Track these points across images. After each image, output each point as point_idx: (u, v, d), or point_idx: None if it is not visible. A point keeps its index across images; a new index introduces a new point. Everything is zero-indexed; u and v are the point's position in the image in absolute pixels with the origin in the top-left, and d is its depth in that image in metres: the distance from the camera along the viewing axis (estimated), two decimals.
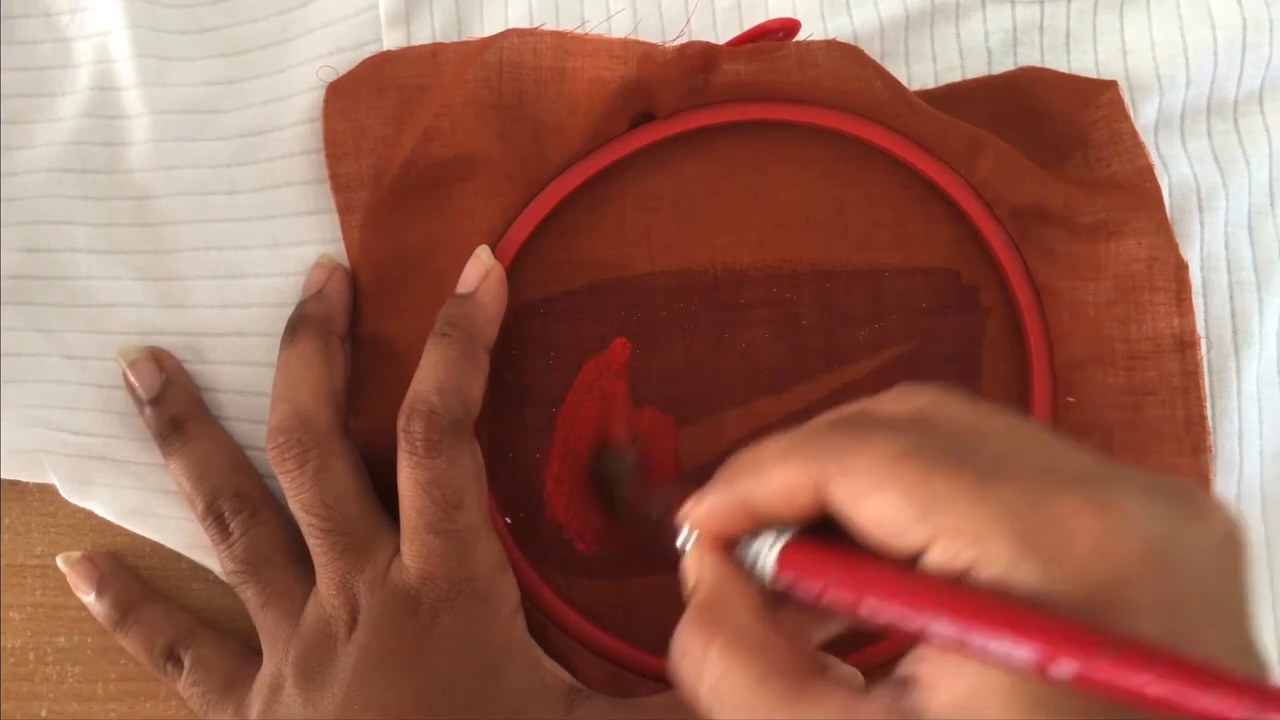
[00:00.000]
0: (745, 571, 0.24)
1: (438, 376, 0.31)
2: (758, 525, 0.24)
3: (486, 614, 0.31)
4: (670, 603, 0.34)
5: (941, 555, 0.20)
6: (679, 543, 0.26)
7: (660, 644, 0.34)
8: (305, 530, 0.32)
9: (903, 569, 0.21)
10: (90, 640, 0.36)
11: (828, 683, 0.21)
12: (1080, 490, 0.20)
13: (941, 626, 0.20)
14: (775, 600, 0.23)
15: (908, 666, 0.21)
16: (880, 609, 0.21)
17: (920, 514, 0.20)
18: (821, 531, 0.23)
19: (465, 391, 0.32)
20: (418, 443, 0.31)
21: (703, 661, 0.22)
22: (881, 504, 0.21)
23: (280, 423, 0.32)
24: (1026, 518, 0.20)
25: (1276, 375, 0.36)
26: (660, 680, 0.34)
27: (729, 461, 0.24)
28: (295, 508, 0.32)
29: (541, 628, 0.34)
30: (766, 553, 0.23)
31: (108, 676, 0.36)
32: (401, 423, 0.31)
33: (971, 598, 0.20)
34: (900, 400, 0.24)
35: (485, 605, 0.31)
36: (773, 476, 0.23)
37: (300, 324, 0.34)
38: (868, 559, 0.22)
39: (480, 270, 0.33)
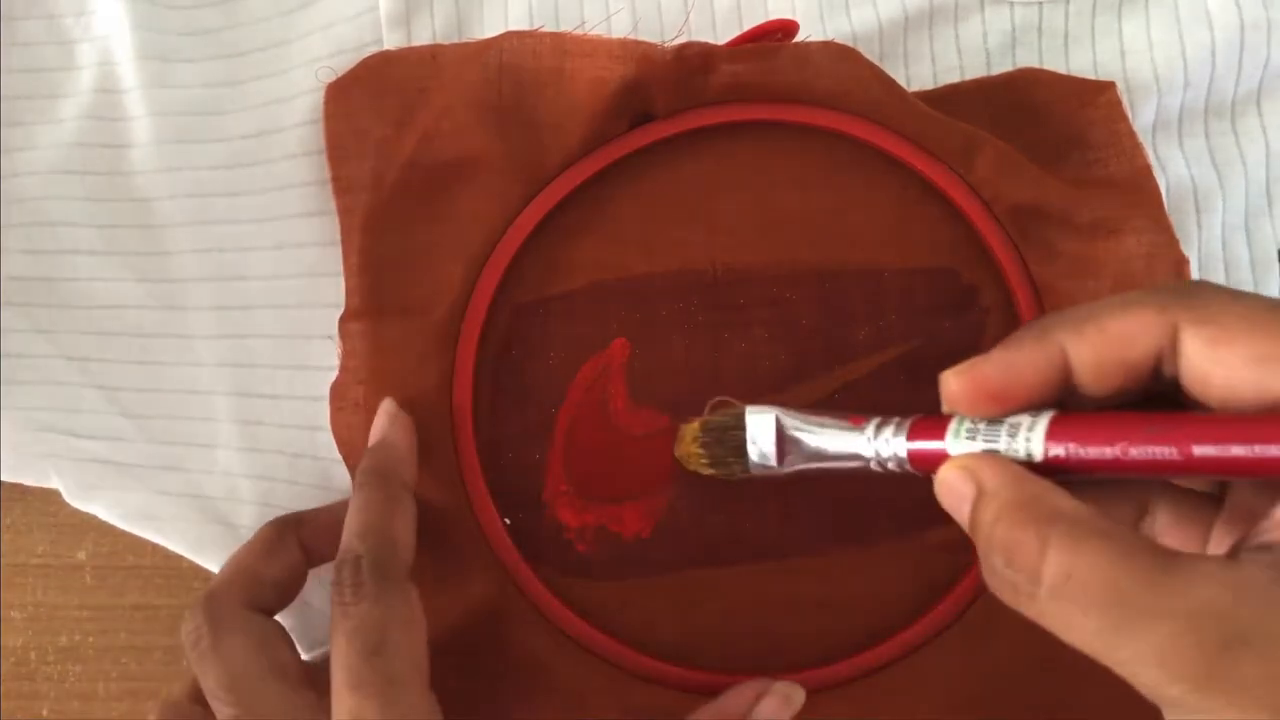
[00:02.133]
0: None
1: (358, 523, 0.30)
2: (1053, 394, 0.23)
3: None
4: (670, 603, 0.35)
5: None
6: (873, 455, 0.25)
7: (660, 644, 0.34)
8: (219, 719, 0.30)
9: (1211, 414, 0.21)
10: (91, 640, 0.36)
11: (1190, 556, 0.20)
12: None
13: None
14: None
15: (1265, 535, 0.20)
16: (1225, 448, 0.20)
17: None
18: None
19: (388, 531, 0.30)
20: (345, 589, 0.28)
21: (1041, 557, 0.21)
22: (1249, 349, 0.20)
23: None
24: None
25: None
26: (659, 682, 0.34)
27: (1030, 323, 0.23)
28: (206, 694, 0.30)
29: (541, 629, 0.34)
30: (1028, 428, 0.22)
31: (109, 676, 0.36)
32: (334, 577, 0.29)
33: None
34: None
35: None
36: (1116, 320, 0.22)
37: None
38: (1166, 414, 0.21)
39: (386, 418, 0.33)
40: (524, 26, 0.35)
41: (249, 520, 0.35)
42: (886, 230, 0.35)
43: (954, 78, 0.36)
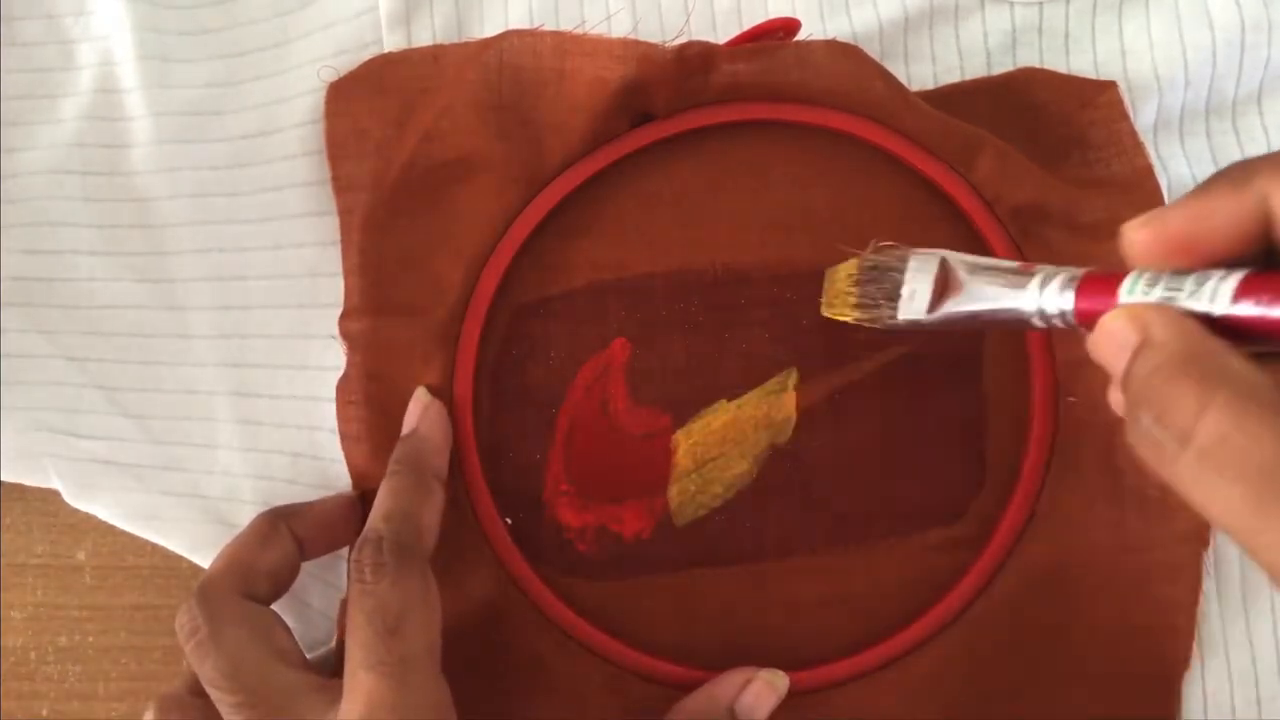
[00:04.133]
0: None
1: (386, 506, 0.30)
2: (1252, 247, 0.20)
3: None
4: (670, 602, 0.35)
5: None
6: (1037, 308, 0.23)
7: (660, 643, 0.34)
8: (220, 711, 0.29)
9: None
10: (91, 640, 0.36)
11: None
12: None
13: None
14: None
15: None
16: None
17: None
18: None
19: (414, 518, 0.30)
20: (365, 568, 0.28)
21: (1198, 419, 0.19)
22: None
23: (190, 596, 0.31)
24: None
25: None
26: (659, 681, 0.34)
27: (1229, 165, 0.21)
28: (205, 686, 0.30)
29: (541, 628, 0.34)
30: (1216, 283, 0.20)
31: (109, 676, 0.36)
32: (353, 556, 0.29)
33: None
34: None
35: None
36: None
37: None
38: None
39: (419, 408, 0.33)
40: (524, 26, 0.35)
41: (249, 520, 0.35)
42: (888, 230, 0.35)
43: (954, 77, 0.36)
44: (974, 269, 0.27)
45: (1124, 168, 0.35)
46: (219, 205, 0.36)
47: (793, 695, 0.33)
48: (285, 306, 0.36)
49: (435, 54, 0.35)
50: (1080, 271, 0.24)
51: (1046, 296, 0.24)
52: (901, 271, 0.29)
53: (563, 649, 0.34)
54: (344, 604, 0.32)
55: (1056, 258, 0.34)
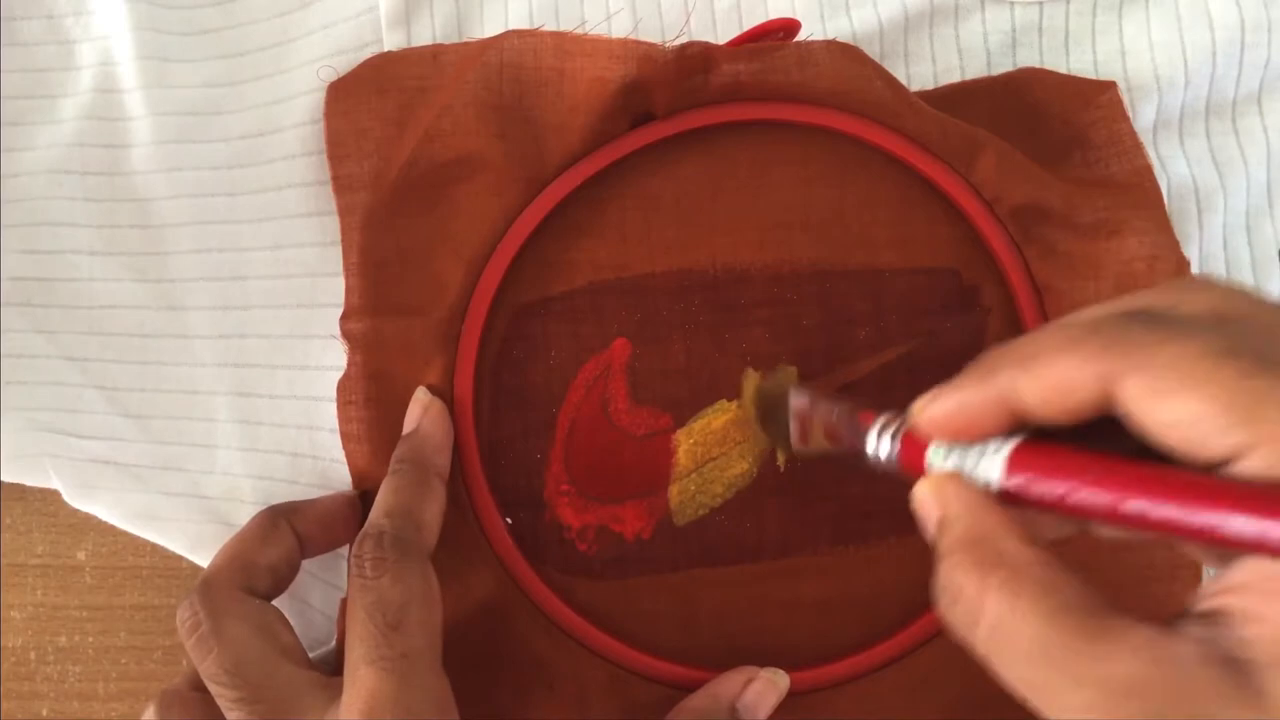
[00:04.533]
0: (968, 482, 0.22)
1: (388, 503, 0.30)
2: (1010, 427, 0.22)
3: None
4: (671, 602, 0.35)
5: (1261, 464, 0.19)
6: (873, 454, 0.25)
7: (661, 643, 0.34)
8: (220, 706, 0.29)
9: (1166, 467, 0.20)
10: (91, 640, 0.36)
11: (1126, 619, 0.20)
12: None
13: (1241, 523, 0.18)
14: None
15: (1209, 601, 0.20)
16: (1151, 508, 0.19)
17: (1240, 419, 0.19)
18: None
19: (416, 514, 0.30)
20: (365, 563, 0.28)
21: (980, 604, 0.21)
22: (1190, 405, 0.19)
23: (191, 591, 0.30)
24: None
25: None
26: (659, 681, 0.34)
27: (980, 358, 0.23)
28: (206, 682, 0.29)
29: (542, 628, 0.34)
30: (992, 455, 0.22)
31: (108, 676, 0.36)
32: (353, 551, 0.29)
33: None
34: (1187, 293, 0.22)
35: None
36: (1052, 367, 0.21)
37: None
38: (1120, 459, 0.20)
39: (420, 407, 0.33)
40: (524, 26, 0.35)
41: (248, 520, 0.35)
42: (888, 230, 0.35)
43: (954, 78, 0.36)
44: (830, 413, 0.29)
45: (1124, 168, 0.35)
46: (219, 205, 0.36)
47: (793, 695, 0.33)
48: (285, 306, 0.36)
49: (435, 54, 0.35)
50: (904, 427, 0.26)
51: (880, 446, 0.26)
52: (785, 406, 0.31)
53: (563, 649, 0.34)
54: (344, 603, 0.32)
55: (1057, 257, 0.34)
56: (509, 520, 0.34)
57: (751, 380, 0.34)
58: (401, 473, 0.31)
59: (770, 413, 0.33)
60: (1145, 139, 0.35)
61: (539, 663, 0.33)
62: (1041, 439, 0.22)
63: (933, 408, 0.23)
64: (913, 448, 0.25)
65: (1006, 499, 0.22)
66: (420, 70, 0.35)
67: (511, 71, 0.34)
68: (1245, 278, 0.36)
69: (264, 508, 0.33)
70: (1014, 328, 0.35)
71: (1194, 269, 0.35)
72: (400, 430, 0.33)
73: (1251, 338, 0.20)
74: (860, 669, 0.34)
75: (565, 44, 0.34)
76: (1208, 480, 0.19)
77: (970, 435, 0.23)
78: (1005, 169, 0.34)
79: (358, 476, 0.34)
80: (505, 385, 0.35)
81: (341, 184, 0.35)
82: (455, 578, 0.33)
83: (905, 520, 0.35)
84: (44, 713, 0.36)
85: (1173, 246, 0.34)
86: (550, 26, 0.35)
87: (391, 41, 0.36)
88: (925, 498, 0.24)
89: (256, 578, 0.31)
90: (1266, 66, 0.36)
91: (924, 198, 0.35)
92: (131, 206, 0.36)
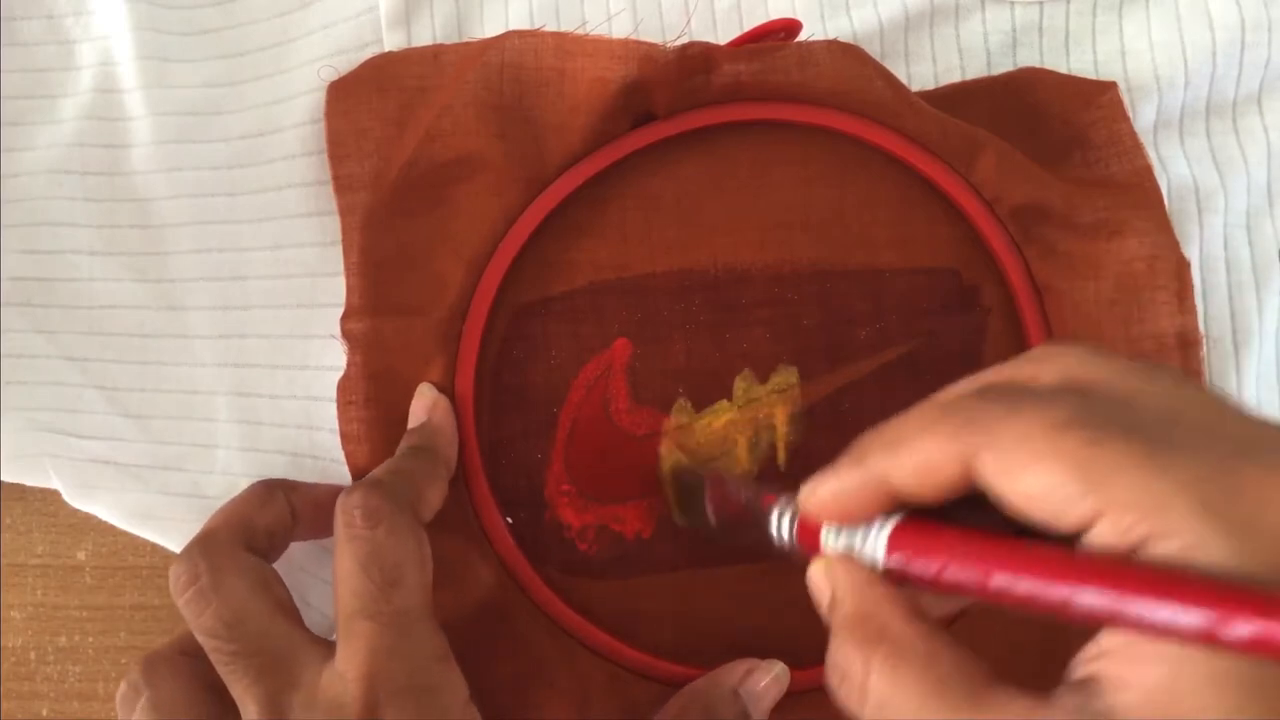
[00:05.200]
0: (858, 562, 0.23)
1: (387, 467, 0.30)
2: (891, 506, 0.23)
3: (434, 711, 0.27)
4: (671, 602, 0.35)
5: (1110, 531, 0.19)
6: (776, 536, 0.26)
7: (661, 643, 0.34)
8: (215, 662, 0.28)
9: (1028, 543, 0.20)
10: (91, 640, 0.36)
11: (1005, 690, 0.20)
12: (1267, 458, 0.18)
13: (1091, 596, 0.18)
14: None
15: (1084, 667, 0.20)
16: (1014, 583, 0.20)
17: (1086, 487, 0.19)
18: (933, 515, 0.22)
19: (414, 481, 0.30)
20: (355, 512, 0.28)
21: (865, 681, 0.21)
22: (1040, 478, 0.20)
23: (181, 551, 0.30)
24: (1211, 488, 0.18)
25: (1276, 376, 0.36)
26: (660, 680, 0.34)
27: (855, 442, 0.23)
28: (199, 638, 0.29)
29: (542, 627, 0.34)
30: (875, 535, 0.23)
31: (109, 676, 0.36)
32: (339, 501, 0.29)
33: (1127, 569, 0.18)
34: (1044, 363, 0.22)
35: (431, 701, 0.27)
36: (914, 450, 0.22)
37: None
38: (991, 536, 0.21)
39: (425, 403, 0.33)
40: (525, 27, 0.35)
41: None
42: (888, 230, 0.35)
43: (955, 77, 0.36)
44: (741, 496, 0.30)
45: (1124, 168, 0.35)
46: (219, 205, 0.36)
47: (793, 694, 0.33)
48: (285, 306, 0.36)
49: (436, 53, 0.35)
50: (798, 512, 0.26)
51: (781, 528, 0.26)
52: (701, 491, 0.32)
53: (563, 648, 0.34)
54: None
55: (1057, 257, 0.34)
56: (509, 520, 0.34)
57: (669, 460, 0.34)
58: (408, 452, 0.31)
59: (687, 496, 0.33)
60: (1145, 139, 0.35)
61: (539, 662, 0.33)
62: (923, 516, 0.23)
63: (816, 493, 0.24)
64: (808, 530, 0.25)
65: (894, 577, 0.23)
66: (421, 70, 0.35)
67: (512, 71, 0.34)
68: (1245, 278, 0.36)
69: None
70: (1014, 328, 0.35)
71: (1195, 269, 0.35)
72: (400, 430, 0.33)
73: (1100, 404, 0.20)
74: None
75: (566, 44, 0.34)
76: (1062, 554, 0.20)
77: (853, 518, 0.23)
78: (1005, 169, 0.34)
79: (357, 476, 0.34)
80: (506, 385, 0.35)
81: (342, 184, 0.35)
82: (455, 577, 0.33)
83: None
84: (44, 713, 0.36)
85: (1173, 247, 0.34)
86: (551, 27, 0.35)
87: (391, 41, 0.36)
88: (817, 578, 0.24)
89: (255, 538, 0.31)
90: (1267, 66, 0.36)
91: (924, 198, 0.35)
92: (131, 206, 0.36)
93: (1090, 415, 0.20)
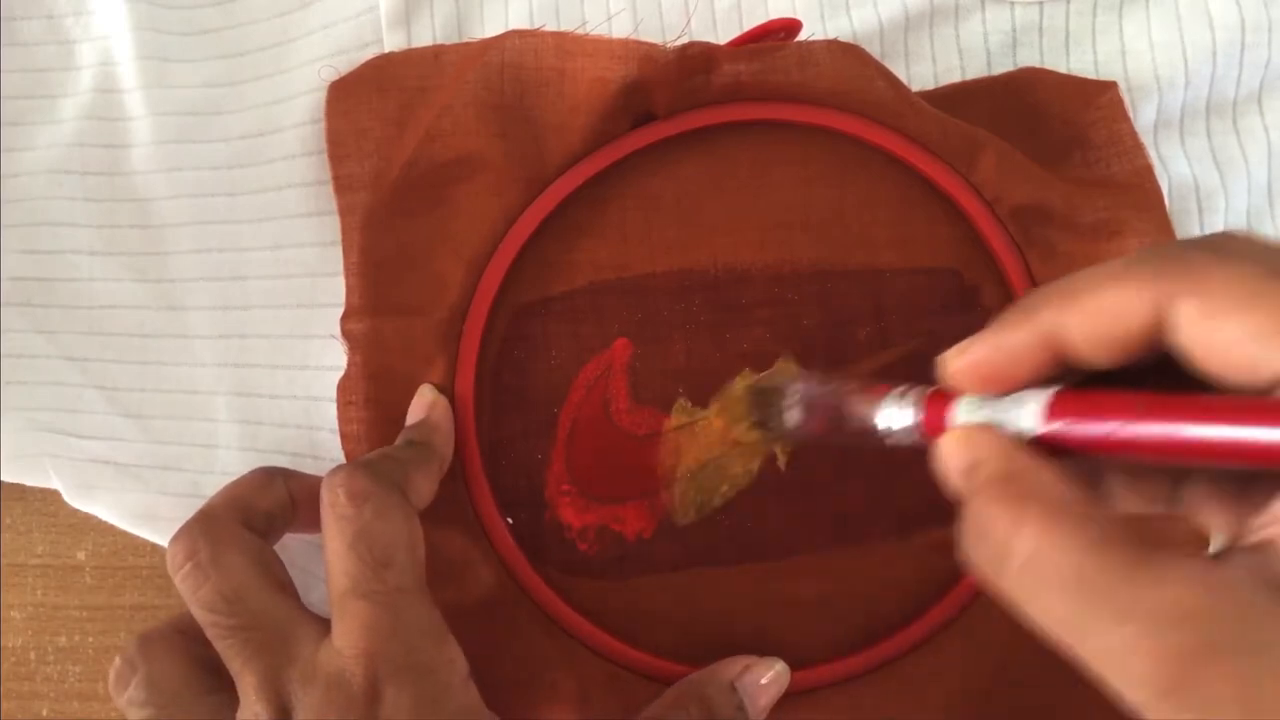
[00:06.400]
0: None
1: (379, 452, 0.30)
2: (1053, 372, 0.22)
3: (433, 687, 0.28)
4: (671, 602, 0.35)
5: None
6: (887, 425, 0.25)
7: (662, 643, 0.34)
8: (212, 638, 0.28)
9: (1219, 395, 0.19)
10: (91, 640, 0.36)
11: (1174, 554, 0.19)
12: None
13: None
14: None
15: (1259, 532, 0.19)
16: (1217, 429, 0.19)
17: None
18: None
19: (405, 465, 0.30)
20: (339, 491, 0.28)
21: (1012, 539, 0.20)
22: (1248, 323, 0.19)
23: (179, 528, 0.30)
24: None
25: None
26: (660, 680, 0.34)
27: (1018, 302, 0.22)
28: (196, 613, 0.29)
29: (542, 627, 0.34)
30: (1030, 404, 0.22)
31: (108, 676, 0.36)
32: (325, 479, 0.29)
33: None
34: (1235, 236, 0.21)
35: (430, 678, 0.28)
36: (1101, 298, 0.21)
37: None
38: (1167, 394, 0.20)
39: (424, 403, 0.33)
40: (525, 26, 0.35)
41: None
42: (888, 230, 0.35)
43: (955, 77, 0.36)
44: (839, 391, 0.28)
45: (1124, 168, 0.35)
46: (219, 205, 0.36)
47: (793, 694, 0.33)
48: (285, 306, 0.36)
49: (436, 53, 0.35)
50: (926, 391, 0.25)
51: (897, 415, 0.25)
52: (783, 393, 0.30)
53: (563, 648, 0.34)
54: None
55: (1057, 258, 0.34)
56: (510, 520, 0.34)
57: (745, 378, 0.34)
58: (402, 443, 0.31)
59: (766, 405, 0.32)
60: (1146, 139, 0.35)
61: (539, 662, 0.33)
62: (1080, 388, 0.22)
63: (966, 355, 0.23)
64: (937, 408, 0.24)
65: (1047, 448, 0.22)
66: (421, 70, 0.35)
67: (512, 71, 0.34)
68: None
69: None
70: None
71: None
72: (400, 430, 0.33)
73: None
74: (860, 669, 0.34)
75: (566, 44, 0.34)
76: (1260, 402, 0.19)
77: (1007, 383, 0.22)
78: (1005, 169, 0.34)
79: None
80: (506, 385, 0.35)
81: (342, 184, 0.35)
82: (455, 577, 0.33)
83: (906, 520, 0.35)
84: (44, 713, 0.36)
85: None
86: (551, 27, 0.35)
87: (392, 41, 0.36)
88: (951, 448, 0.23)
89: (253, 518, 0.31)
90: (1267, 66, 0.36)
91: (924, 198, 0.35)
92: (131, 206, 0.36)
93: None
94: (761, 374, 0.33)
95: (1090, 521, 0.19)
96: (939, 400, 0.24)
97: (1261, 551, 0.19)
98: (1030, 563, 0.19)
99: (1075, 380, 0.22)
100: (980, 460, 0.22)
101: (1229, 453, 0.19)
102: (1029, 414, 0.22)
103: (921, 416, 0.25)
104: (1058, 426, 0.21)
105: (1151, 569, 0.18)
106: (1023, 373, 0.22)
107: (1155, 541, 0.19)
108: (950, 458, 0.23)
